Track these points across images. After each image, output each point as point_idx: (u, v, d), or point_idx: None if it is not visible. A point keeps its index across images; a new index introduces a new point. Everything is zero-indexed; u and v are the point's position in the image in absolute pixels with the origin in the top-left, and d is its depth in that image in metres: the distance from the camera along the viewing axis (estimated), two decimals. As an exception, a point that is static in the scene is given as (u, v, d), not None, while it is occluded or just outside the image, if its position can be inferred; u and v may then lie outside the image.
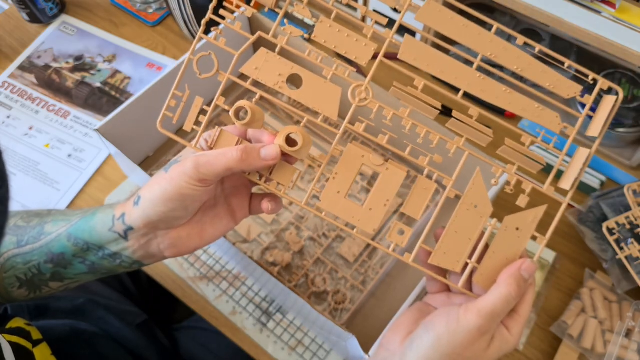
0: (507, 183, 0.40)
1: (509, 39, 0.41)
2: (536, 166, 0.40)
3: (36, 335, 0.47)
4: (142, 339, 0.62)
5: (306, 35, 0.42)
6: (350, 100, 0.41)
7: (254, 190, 0.45)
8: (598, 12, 0.60)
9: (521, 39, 0.41)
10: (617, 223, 0.59)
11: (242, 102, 0.40)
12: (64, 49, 0.82)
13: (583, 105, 0.70)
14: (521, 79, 0.42)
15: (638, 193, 0.60)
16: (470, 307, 0.37)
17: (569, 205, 0.66)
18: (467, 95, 0.40)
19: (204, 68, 0.41)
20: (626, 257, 0.59)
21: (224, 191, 0.44)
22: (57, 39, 0.83)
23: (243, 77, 0.44)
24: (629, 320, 0.57)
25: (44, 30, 0.84)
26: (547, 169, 0.75)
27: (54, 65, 0.81)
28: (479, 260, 0.39)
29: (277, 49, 0.42)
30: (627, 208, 0.60)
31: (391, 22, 0.41)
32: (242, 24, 0.42)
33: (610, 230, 0.59)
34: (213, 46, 0.42)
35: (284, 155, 0.40)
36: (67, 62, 0.81)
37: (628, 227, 0.59)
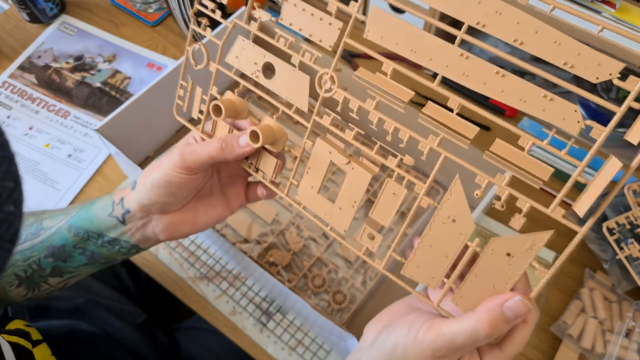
0: (497, 198, 0.32)
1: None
2: (536, 181, 0.30)
3: (36, 335, 0.47)
4: (142, 339, 0.62)
5: (274, 19, 0.38)
6: (317, 90, 0.37)
7: (250, 179, 0.47)
8: (598, 12, 0.60)
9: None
10: (617, 223, 0.59)
11: (219, 101, 0.41)
12: (64, 49, 0.82)
13: (585, 107, 0.70)
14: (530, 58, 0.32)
15: (638, 193, 0.60)
16: (434, 325, 0.33)
17: (566, 204, 0.66)
18: (450, 83, 0.34)
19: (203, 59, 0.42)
20: (626, 257, 0.59)
21: (220, 180, 0.46)
22: (57, 39, 0.83)
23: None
24: (629, 320, 0.57)
25: (44, 30, 0.84)
26: (558, 174, 0.75)
27: (54, 65, 0.81)
28: (459, 280, 0.34)
29: (251, 36, 0.40)
30: (627, 208, 0.60)
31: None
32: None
33: (610, 230, 0.59)
34: (212, 43, 0.42)
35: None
36: (67, 62, 0.81)
37: (628, 227, 0.59)
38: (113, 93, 0.78)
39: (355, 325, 0.59)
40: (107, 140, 0.57)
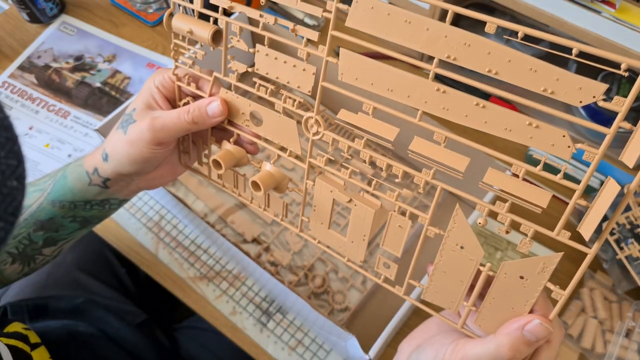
0: (493, 202, 0.33)
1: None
2: (535, 207, 0.30)
3: (34, 338, 0.47)
4: (141, 339, 0.62)
5: (250, 69, 0.38)
6: (305, 134, 0.38)
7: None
8: (598, 12, 0.60)
9: (491, 24, 0.27)
10: (617, 223, 0.59)
11: (218, 156, 0.42)
12: (64, 49, 0.82)
13: (585, 107, 0.70)
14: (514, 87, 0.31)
15: (638, 193, 0.60)
16: (459, 347, 0.33)
17: (559, 200, 0.66)
18: (446, 80, 0.32)
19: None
20: (626, 257, 0.59)
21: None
22: (57, 39, 0.83)
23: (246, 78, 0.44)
24: (629, 320, 0.57)
25: (44, 30, 0.84)
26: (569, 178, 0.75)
27: (54, 65, 0.81)
28: (478, 304, 0.34)
29: (232, 87, 0.41)
30: (627, 208, 0.60)
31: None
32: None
33: (610, 230, 0.59)
34: (215, 58, 0.42)
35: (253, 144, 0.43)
36: (67, 62, 0.81)
37: (628, 227, 0.59)
38: (113, 93, 0.78)
39: (355, 325, 0.59)
40: (107, 140, 0.57)
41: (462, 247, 0.33)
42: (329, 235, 0.41)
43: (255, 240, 0.64)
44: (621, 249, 0.59)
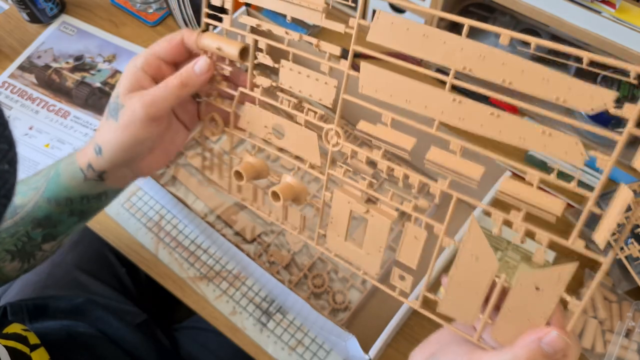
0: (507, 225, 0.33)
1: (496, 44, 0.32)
2: (550, 216, 0.31)
3: (33, 340, 0.47)
4: (141, 339, 0.62)
5: (274, 83, 0.40)
6: (326, 145, 0.39)
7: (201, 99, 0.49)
8: (598, 12, 0.60)
9: (505, 36, 0.29)
10: (617, 223, 0.59)
11: (240, 168, 0.44)
12: (64, 49, 0.82)
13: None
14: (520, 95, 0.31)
15: (638, 193, 0.59)
16: (475, 359, 0.33)
17: (569, 205, 0.66)
18: (460, 89, 0.33)
19: None
20: (626, 257, 0.59)
21: (174, 110, 0.46)
22: (57, 39, 0.83)
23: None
24: (629, 320, 0.57)
25: (44, 30, 0.84)
26: (567, 178, 0.75)
27: (54, 65, 0.81)
28: (493, 316, 0.34)
29: (257, 101, 0.42)
30: (627, 208, 0.60)
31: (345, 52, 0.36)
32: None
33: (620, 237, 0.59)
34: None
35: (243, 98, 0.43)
36: (67, 62, 0.81)
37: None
38: (113, 93, 0.78)
39: (355, 325, 0.59)
40: (107, 140, 0.57)
41: (477, 259, 0.33)
42: (345, 247, 0.41)
43: (255, 240, 0.64)
44: (621, 249, 0.59)
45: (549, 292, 0.31)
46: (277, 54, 0.40)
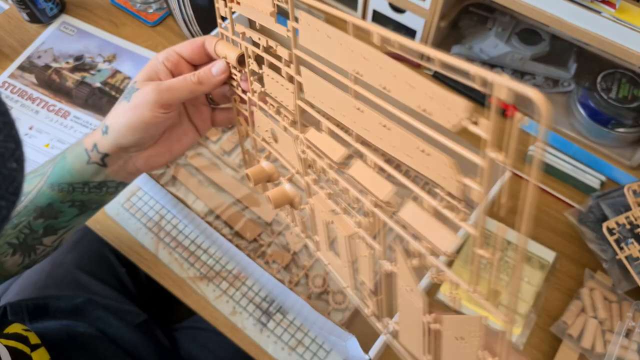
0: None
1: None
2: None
3: (34, 340, 0.47)
4: (141, 339, 0.62)
5: (262, 89, 0.42)
6: (299, 153, 0.39)
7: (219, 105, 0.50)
8: (598, 12, 0.60)
9: (375, 33, 0.24)
10: (617, 223, 0.59)
11: (249, 171, 0.46)
12: (64, 49, 0.82)
13: (585, 107, 0.70)
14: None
15: (638, 193, 0.60)
16: None
17: (567, 204, 0.66)
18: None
19: None
20: (626, 257, 0.59)
21: (187, 110, 0.48)
22: (57, 39, 0.83)
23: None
24: (629, 320, 0.57)
25: (44, 30, 0.84)
26: (558, 174, 0.74)
27: (54, 65, 0.81)
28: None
29: (257, 107, 0.43)
30: (627, 208, 0.60)
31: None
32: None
33: (610, 230, 0.59)
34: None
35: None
36: (67, 62, 0.81)
37: (628, 227, 0.59)
38: (113, 93, 0.78)
39: (355, 325, 0.59)
40: (107, 140, 0.57)
41: (411, 290, 0.29)
42: (329, 257, 0.42)
43: (255, 240, 0.64)
44: (621, 249, 0.59)
45: (470, 343, 0.27)
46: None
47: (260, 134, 0.45)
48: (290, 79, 0.35)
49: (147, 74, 0.43)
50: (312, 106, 0.35)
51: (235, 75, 0.44)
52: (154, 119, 0.41)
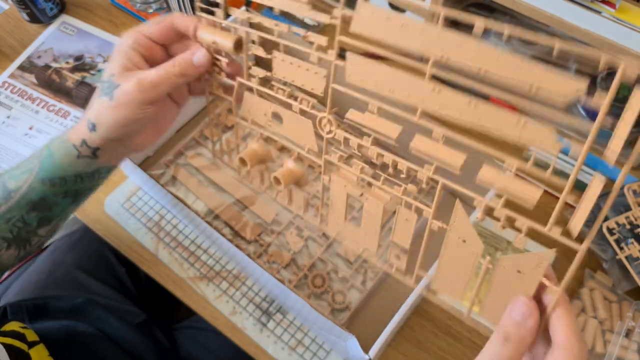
0: (496, 219, 0.33)
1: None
2: (529, 199, 0.31)
3: (32, 337, 0.47)
4: (141, 339, 0.62)
5: (269, 73, 0.41)
6: (320, 132, 0.41)
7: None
8: (598, 12, 0.60)
9: (479, 25, 0.28)
10: (617, 223, 0.59)
11: (243, 154, 0.47)
12: (64, 49, 0.82)
13: (585, 107, 0.70)
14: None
15: (638, 193, 0.60)
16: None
17: (569, 205, 0.66)
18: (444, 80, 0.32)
19: None
20: (626, 257, 0.59)
21: None
22: (57, 39, 0.83)
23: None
24: (629, 320, 0.57)
25: (44, 30, 0.84)
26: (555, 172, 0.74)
27: (54, 65, 0.81)
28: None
29: (255, 91, 0.44)
30: (627, 208, 0.60)
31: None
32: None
33: (610, 230, 0.59)
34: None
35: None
36: (67, 62, 0.81)
37: (628, 227, 0.59)
38: (113, 93, 0.78)
39: (355, 325, 0.59)
40: (107, 140, 0.57)
41: (464, 241, 0.35)
42: (345, 227, 0.43)
43: (255, 240, 0.64)
44: (621, 249, 0.59)
45: (530, 276, 0.32)
46: (269, 47, 0.41)
47: (255, 118, 0.45)
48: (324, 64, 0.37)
49: (122, 64, 0.42)
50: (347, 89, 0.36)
51: (219, 60, 0.44)
52: (142, 115, 0.41)
